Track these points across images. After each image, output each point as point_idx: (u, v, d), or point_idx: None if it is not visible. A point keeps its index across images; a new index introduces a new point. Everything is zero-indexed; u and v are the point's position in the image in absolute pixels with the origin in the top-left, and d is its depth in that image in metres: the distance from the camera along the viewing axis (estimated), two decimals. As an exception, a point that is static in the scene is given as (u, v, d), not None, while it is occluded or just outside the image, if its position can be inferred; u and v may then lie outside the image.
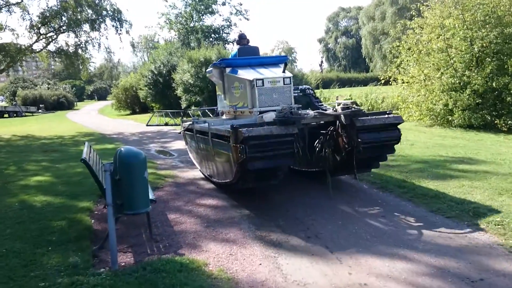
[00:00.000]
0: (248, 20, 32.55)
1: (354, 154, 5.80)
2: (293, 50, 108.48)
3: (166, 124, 12.84)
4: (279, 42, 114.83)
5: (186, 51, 24.32)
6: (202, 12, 30.41)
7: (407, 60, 16.22)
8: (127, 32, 21.26)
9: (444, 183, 6.74)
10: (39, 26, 19.84)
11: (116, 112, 33.86)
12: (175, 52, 25.59)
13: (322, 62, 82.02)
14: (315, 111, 6.29)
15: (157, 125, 12.92)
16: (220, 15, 31.91)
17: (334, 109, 6.25)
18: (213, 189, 7.34)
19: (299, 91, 7.60)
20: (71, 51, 20.60)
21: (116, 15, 20.00)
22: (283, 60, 7.46)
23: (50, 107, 46.54)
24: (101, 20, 19.68)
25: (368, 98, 25.08)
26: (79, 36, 20.26)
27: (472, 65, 13.94)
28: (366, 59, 69.10)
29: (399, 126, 5.97)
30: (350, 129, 5.73)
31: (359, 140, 5.61)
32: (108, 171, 4.30)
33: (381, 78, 18.11)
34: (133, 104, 31.86)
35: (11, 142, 16.09)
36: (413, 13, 16.21)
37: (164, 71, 25.29)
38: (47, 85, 56.17)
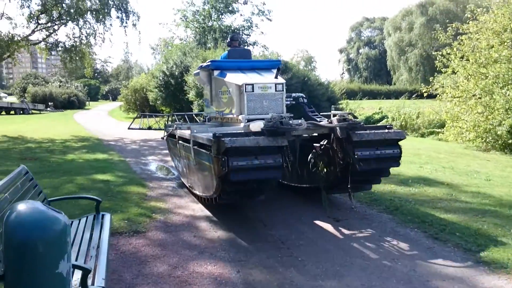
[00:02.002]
0: (270, 21, 30.08)
1: (349, 171, 5.34)
2: (312, 59, 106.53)
3: (150, 128, 11.10)
4: (299, 50, 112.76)
5: (201, 51, 22.04)
6: (222, 11, 28.19)
7: (457, 71, 13.69)
8: (134, 25, 18.94)
9: None
10: (38, 14, 17.79)
11: (124, 115, 31.68)
12: (189, 52, 23.28)
13: (343, 72, 79.53)
14: (308, 121, 5.61)
15: (139, 129, 11.21)
16: (241, 14, 29.63)
17: (329, 120, 5.64)
18: (218, 241, 4.94)
19: (291, 99, 6.90)
20: (69, 45, 18.47)
21: (121, 4, 17.81)
22: (276, 64, 6.89)
23: (60, 106, 44.66)
24: (106, 11, 17.51)
25: (401, 113, 22.53)
26: (82, 28, 18.22)
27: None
28: (390, 71, 66.45)
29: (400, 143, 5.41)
30: (346, 143, 5.27)
31: (355, 155, 5.14)
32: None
33: (423, 91, 15.56)
34: (143, 107, 29.63)
35: (-8, 145, 13.92)
36: (468, 15, 13.69)
37: (177, 72, 22.97)
38: (59, 83, 54.37)
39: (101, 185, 7.61)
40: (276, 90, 6.14)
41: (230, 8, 28.37)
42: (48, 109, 41.15)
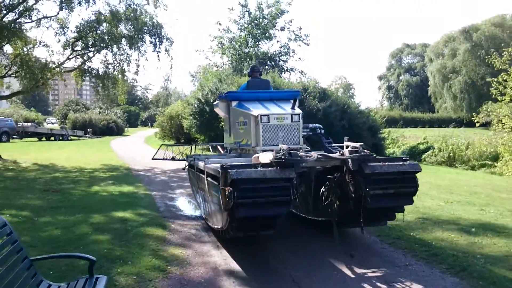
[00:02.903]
0: (308, 45, 29.30)
1: (362, 204, 5.08)
2: (351, 86, 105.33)
3: (173, 159, 10.88)
4: (337, 77, 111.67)
5: (237, 78, 21.47)
6: (258, 37, 27.70)
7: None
8: (167, 50, 18.50)
9: None
10: (74, 41, 17.67)
11: (160, 142, 31.44)
12: (225, 79, 22.77)
13: (383, 99, 77.94)
14: (319, 153, 5.43)
15: (163, 159, 11.00)
16: (278, 41, 29.01)
17: (341, 152, 5.47)
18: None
19: (308, 129, 6.88)
20: (102, 71, 18.21)
21: (155, 30, 17.47)
22: (294, 95, 6.79)
23: (99, 132, 45.30)
24: (140, 36, 17.20)
25: (449, 143, 21.05)
26: (116, 54, 17.97)
27: None
28: (432, 98, 64.35)
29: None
30: (358, 175, 5.08)
31: (367, 189, 4.93)
32: None
33: (475, 121, 14.28)
34: (178, 134, 29.31)
35: (20, 173, 13.56)
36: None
37: (212, 100, 22.44)
38: (98, 109, 55.47)
39: (118, 226, 6.84)
40: (292, 121, 6.12)
41: (267, 35, 27.89)
42: (87, 135, 41.70)
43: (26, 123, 40.41)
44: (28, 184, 11.34)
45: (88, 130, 43.21)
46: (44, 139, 37.64)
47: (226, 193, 4.43)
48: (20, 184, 11.34)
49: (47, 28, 18.32)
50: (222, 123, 19.43)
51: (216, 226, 5.76)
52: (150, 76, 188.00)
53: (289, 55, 28.91)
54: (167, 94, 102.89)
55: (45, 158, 18.37)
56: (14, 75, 17.43)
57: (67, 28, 17.86)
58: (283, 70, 28.09)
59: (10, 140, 34.01)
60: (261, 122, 5.99)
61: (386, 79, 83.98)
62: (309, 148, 6.04)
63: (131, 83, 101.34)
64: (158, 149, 11.07)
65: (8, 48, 18.25)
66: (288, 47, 28.71)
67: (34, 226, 6.83)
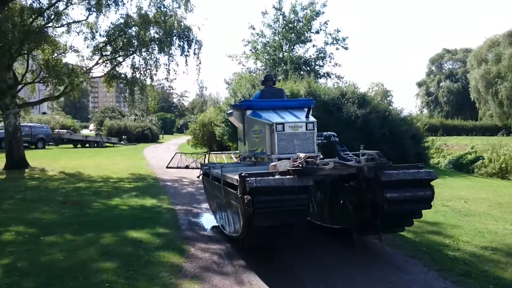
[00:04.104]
0: (346, 49, 27.92)
1: (379, 211, 5.12)
2: (388, 94, 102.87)
3: (187, 167, 10.91)
4: (374, 84, 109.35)
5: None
6: (293, 42, 26.65)
7: None
8: (196, 54, 17.66)
9: None
10: (102, 46, 17.17)
11: (192, 150, 30.82)
12: (258, 84, 21.89)
13: (423, 106, 75.39)
14: (335, 161, 5.34)
15: (177, 167, 11.10)
16: (313, 45, 27.85)
17: (357, 160, 5.50)
18: None
19: (323, 137, 6.92)
20: (130, 77, 17.58)
21: (184, 32, 16.68)
22: (308, 104, 6.92)
23: (134, 139, 45.28)
24: (170, 40, 16.44)
25: (500, 153, 19.38)
26: (145, 59, 17.31)
27: None
28: (476, 105, 61.49)
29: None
30: (374, 183, 5.07)
31: (384, 196, 4.94)
32: None
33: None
34: (211, 142, 28.56)
35: (44, 183, 13.02)
36: None
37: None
38: (134, 116, 55.70)
39: (130, 249, 5.96)
40: (307, 129, 6.23)
41: (302, 38, 26.76)
42: (122, 142, 41.66)
43: (62, 130, 40.75)
44: (48, 195, 10.73)
45: (123, 137, 43.19)
46: (79, 146, 37.84)
47: (245, 201, 4.49)
48: (39, 195, 10.74)
49: (78, 33, 17.98)
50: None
51: (233, 234, 5.82)
52: (186, 84, 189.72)
53: (325, 60, 27.69)
54: (203, 101, 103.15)
55: (74, 166, 17.93)
56: (42, 81, 17.08)
57: (96, 32, 17.40)
58: (318, 76, 26.92)
59: (46, 147, 34.25)
60: (276, 131, 6.09)
61: (425, 86, 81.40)
62: (322, 156, 6.14)
63: (167, 91, 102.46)
64: (173, 157, 11.00)
65: (40, 55, 17.99)
66: (324, 51, 27.51)
67: (37, 248, 6.05)
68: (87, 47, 17.44)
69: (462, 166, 20.26)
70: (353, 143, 16.53)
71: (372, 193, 5.17)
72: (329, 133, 7.04)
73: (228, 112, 7.77)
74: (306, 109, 6.59)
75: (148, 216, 8.27)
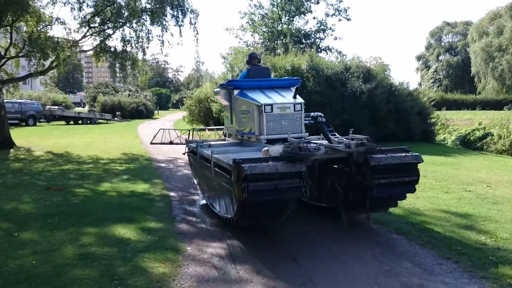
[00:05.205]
0: (349, 20, 26.62)
1: (368, 194, 5.34)
2: (387, 68, 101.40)
3: (171, 143, 10.69)
4: (372, 57, 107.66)
5: (270, 57, 19.46)
6: (293, 13, 25.36)
7: None
8: (192, 23, 16.49)
9: None
10: (90, 17, 15.98)
11: (188, 126, 29.84)
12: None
13: (429, 80, 74.23)
14: (326, 146, 5.42)
15: (161, 143, 10.84)
16: (314, 17, 26.56)
17: (347, 144, 5.52)
18: None
19: (310, 118, 6.93)
20: (119, 50, 16.47)
21: (178, 1, 15.41)
22: (295, 83, 7.04)
23: (128, 115, 44.09)
24: (163, 10, 15.24)
25: (510, 129, 18.58)
26: (137, 31, 16.18)
27: None
28: (475, 79, 60.42)
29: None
30: (363, 167, 5.28)
31: (373, 180, 5.18)
32: None
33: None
34: (207, 118, 27.55)
35: (28, 165, 12.12)
36: None
37: (242, 81, 20.58)
38: (128, 92, 54.25)
39: (115, 251, 5.10)
40: (295, 110, 6.29)
41: (302, 9, 25.43)
42: (115, 118, 40.60)
43: (53, 107, 39.59)
44: (30, 180, 9.85)
45: (117, 113, 42.06)
46: (72, 122, 36.83)
47: (240, 187, 4.60)
48: (21, 180, 9.85)
49: (64, 3, 16.74)
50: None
51: (224, 215, 5.95)
52: (181, 58, 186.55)
53: (326, 33, 26.45)
54: (198, 76, 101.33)
55: (63, 145, 16.99)
56: (25, 55, 15.93)
57: (83, 2, 16.16)
58: (319, 50, 25.75)
59: (37, 124, 33.21)
60: (264, 112, 6.12)
61: (424, 59, 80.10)
62: (309, 136, 6.37)
63: (162, 65, 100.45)
64: (157, 133, 10.71)
65: (24, 27, 16.80)
66: (325, 23, 26.24)
67: (8, 248, 5.20)
68: (74, 18, 16.31)
69: (470, 143, 19.47)
70: (358, 121, 15.71)
71: (361, 176, 5.36)
72: (316, 113, 7.09)
73: (215, 90, 7.78)
74: (293, 89, 6.68)
75: (138, 205, 7.41)
